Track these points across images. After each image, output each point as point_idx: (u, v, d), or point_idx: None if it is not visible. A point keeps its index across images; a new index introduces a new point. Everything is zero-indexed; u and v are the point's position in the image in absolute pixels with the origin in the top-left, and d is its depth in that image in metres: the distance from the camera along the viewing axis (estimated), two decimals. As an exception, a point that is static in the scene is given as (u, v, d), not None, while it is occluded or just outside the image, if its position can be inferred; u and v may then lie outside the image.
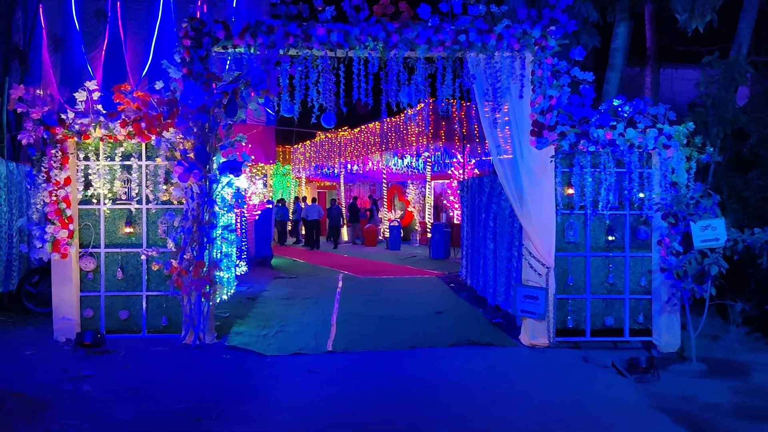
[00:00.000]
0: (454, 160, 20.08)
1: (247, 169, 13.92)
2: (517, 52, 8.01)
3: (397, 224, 23.74)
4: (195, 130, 7.58)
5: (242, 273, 13.24)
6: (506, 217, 9.87)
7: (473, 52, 8.00)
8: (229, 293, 10.27)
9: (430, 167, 21.89)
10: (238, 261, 12.94)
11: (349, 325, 9.35)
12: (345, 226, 28.51)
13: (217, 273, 7.93)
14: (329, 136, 28.91)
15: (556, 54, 8.03)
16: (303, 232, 26.05)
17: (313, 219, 23.59)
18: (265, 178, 18.46)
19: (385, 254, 21.56)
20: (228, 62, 8.44)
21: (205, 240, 7.76)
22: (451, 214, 22.69)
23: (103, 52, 15.86)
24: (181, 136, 7.68)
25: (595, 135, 7.95)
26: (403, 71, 8.01)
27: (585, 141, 7.99)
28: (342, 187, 30.33)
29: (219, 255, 8.09)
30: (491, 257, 10.77)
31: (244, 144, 8.16)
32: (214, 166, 7.81)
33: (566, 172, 8.29)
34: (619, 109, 8.11)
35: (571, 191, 8.30)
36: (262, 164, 17.72)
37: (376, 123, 24.33)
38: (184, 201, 7.89)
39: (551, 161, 8.06)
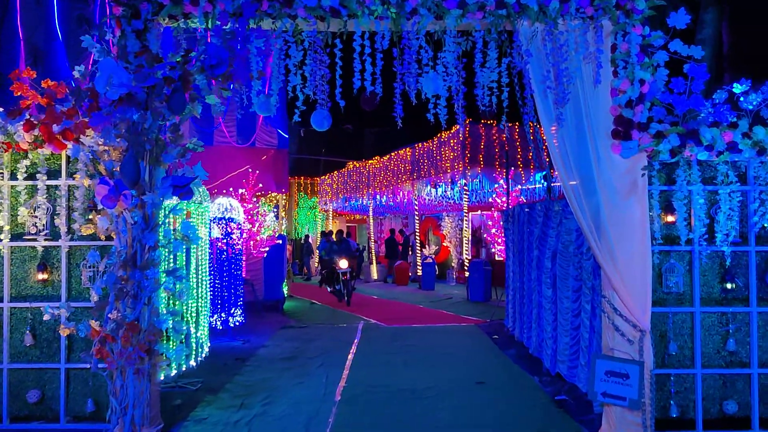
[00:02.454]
0: (496, 186, 17.49)
1: (239, 194, 11.60)
2: (591, 20, 5.54)
3: (431, 261, 21.18)
4: (122, 131, 5.23)
5: (237, 323, 10.82)
6: (570, 256, 7.32)
7: (527, 20, 5.55)
8: (200, 358, 7.81)
9: (467, 196, 19.36)
10: (219, 313, 10.53)
11: (357, 404, 6.85)
12: (376, 263, 26.13)
13: (168, 337, 5.52)
14: (357, 165, 26.66)
15: (647, 21, 5.55)
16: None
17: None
18: (276, 210, 16.20)
19: (417, 295, 18.99)
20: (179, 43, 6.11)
21: (141, 292, 5.37)
22: (493, 249, 20.04)
23: (91, 64, 13.84)
24: (101, 141, 5.33)
25: (708, 136, 5.41)
26: (426, 48, 5.59)
27: (693, 145, 5.45)
28: (371, 221, 27.93)
29: (164, 313, 5.65)
30: (549, 308, 8.18)
31: (200, 150, 5.78)
32: (155, 184, 5.43)
33: (665, 191, 5.75)
34: (742, 98, 5.56)
35: (671, 218, 5.75)
36: (274, 193, 15.49)
37: (407, 149, 21.97)
38: (114, 236, 5.53)
39: (643, 175, 5.53)
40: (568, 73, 5.47)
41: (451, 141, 18.83)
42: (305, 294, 19.34)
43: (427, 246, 25.50)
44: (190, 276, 7.47)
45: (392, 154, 23.34)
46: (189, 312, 7.43)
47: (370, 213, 26.95)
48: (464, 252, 20.29)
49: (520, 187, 17.12)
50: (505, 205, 13.95)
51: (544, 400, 7.04)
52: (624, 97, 5.51)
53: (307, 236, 28.50)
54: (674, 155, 5.51)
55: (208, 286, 7.64)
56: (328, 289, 17.14)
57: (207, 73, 5.48)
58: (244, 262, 13.93)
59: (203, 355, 7.68)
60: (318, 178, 31.27)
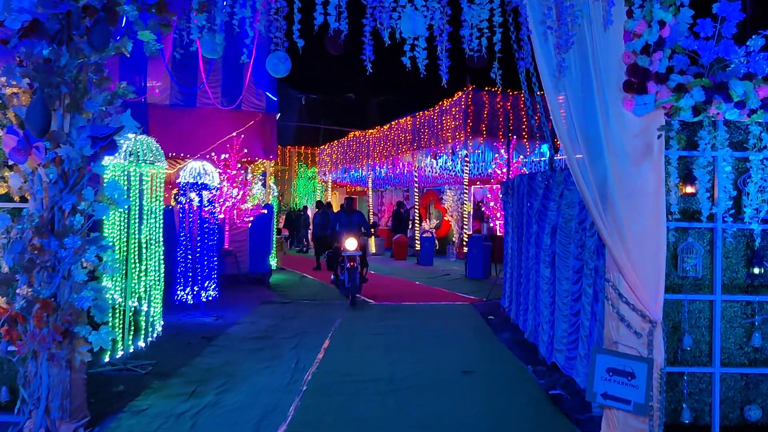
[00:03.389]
0: (496, 156, 16.50)
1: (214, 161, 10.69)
2: (602, -53, 4.59)
3: (430, 236, 20.29)
4: (30, 69, 4.33)
5: (211, 298, 10.00)
6: (571, 232, 6.43)
7: (525, -54, 4.61)
8: (150, 338, 6.93)
9: (468, 168, 18.43)
10: (191, 286, 9.71)
11: (323, 396, 6.02)
12: (373, 236, 25.25)
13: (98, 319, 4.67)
14: (358, 134, 25.71)
15: (670, -51, 4.60)
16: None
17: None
18: (264, 178, 15.30)
19: (414, 271, 18.15)
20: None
21: (59, 264, 4.52)
22: (492, 224, 19.11)
23: None
24: (4, 79, 4.42)
25: (740, 91, 4.48)
26: (403, -20, 4.66)
27: (721, 101, 4.53)
28: (370, 193, 27.02)
29: (88, 288, 4.78)
30: (547, 290, 7.31)
31: (131, 96, 4.87)
32: (74, 135, 4.54)
33: (685, 157, 4.84)
34: (780, 46, 4.63)
35: (691, 189, 4.85)
36: (261, 160, 14.58)
37: (408, 118, 21.00)
38: (29, 196, 4.67)
39: (659, 136, 4.62)
40: (573, 12, 4.52)
41: (453, 109, 17.86)
42: (299, 267, 18.55)
43: (427, 220, 24.61)
44: (136, 246, 6.63)
45: (392, 123, 22.38)
46: (137, 287, 6.59)
47: (369, 185, 26.03)
48: (465, 227, 19.41)
49: (522, 158, 16.15)
50: (506, 176, 13.02)
51: (537, 395, 6.19)
52: (639, 42, 4.57)
53: (305, 207, 27.65)
54: (697, 113, 4.59)
55: (161, 257, 6.78)
56: (331, 278, 12.62)
57: (138, 3, 4.56)
58: (226, 233, 13.12)
59: (155, 335, 6.86)
60: (318, 148, 30.35)
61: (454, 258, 21.61)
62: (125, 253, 6.45)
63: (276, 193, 16.45)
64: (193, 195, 9.40)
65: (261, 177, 15.10)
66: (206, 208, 9.69)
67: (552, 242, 7.15)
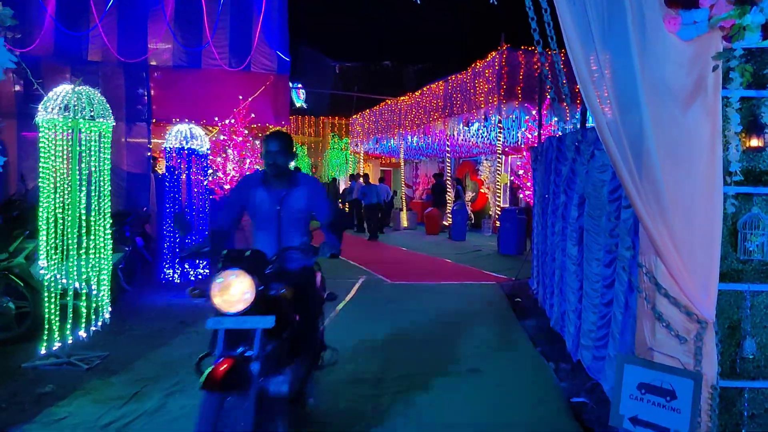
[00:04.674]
0: (526, 118, 15.07)
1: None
2: None
3: (461, 208, 19.03)
4: None
5: (201, 276, 9.02)
6: (603, 203, 5.19)
7: None
8: (93, 327, 5.87)
9: (501, 135, 17.05)
10: (179, 264, 8.74)
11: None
12: (407, 209, 24.17)
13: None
14: (389, 102, 24.46)
15: None
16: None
17: (370, 203, 19.33)
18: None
19: (443, 246, 16.98)
20: None
21: None
22: (520, 195, 17.72)
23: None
24: None
25: (830, 4, 3.18)
26: None
27: (802, 18, 3.24)
28: (402, 164, 25.81)
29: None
30: (574, 272, 6.09)
31: (10, 22, 3.81)
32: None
33: (751, 98, 3.56)
34: None
35: (758, 143, 3.58)
36: (271, 126, 13.49)
37: (439, 83, 19.66)
38: None
39: (715, 69, 3.34)
40: None
41: (486, 71, 16.48)
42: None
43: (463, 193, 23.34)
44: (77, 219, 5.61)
45: (424, 89, 21.07)
46: (83, 267, 5.59)
47: (401, 155, 24.80)
48: (496, 199, 18.11)
49: (556, 120, 14.69)
50: (537, 141, 11.69)
51: (556, 402, 5.02)
52: (689, -64, 3.29)
53: (334, 179, 26.61)
54: (770, 36, 3.31)
55: (107, 231, 5.75)
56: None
57: None
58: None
59: (99, 323, 5.86)
60: (350, 118, 29.24)
61: (490, 232, 20.33)
62: (63, 228, 5.44)
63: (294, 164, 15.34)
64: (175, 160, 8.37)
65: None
66: (196, 177, 8.67)
67: (579, 214, 5.92)
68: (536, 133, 11.98)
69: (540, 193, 8.66)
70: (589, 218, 5.56)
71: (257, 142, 12.28)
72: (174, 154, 8.58)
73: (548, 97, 14.11)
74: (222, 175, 11.84)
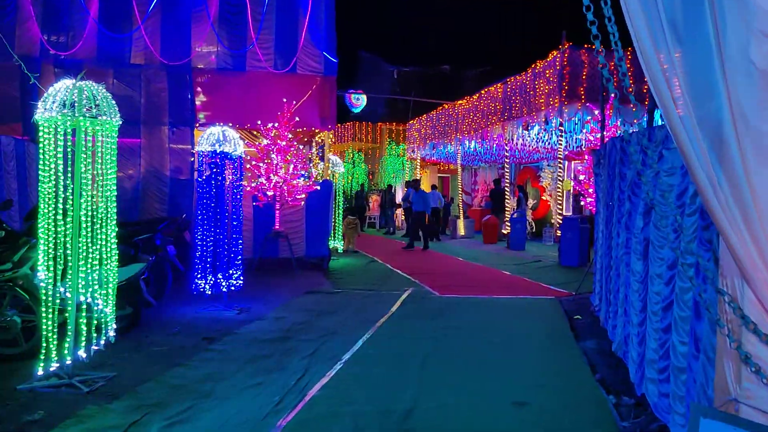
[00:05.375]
0: (588, 119, 14.08)
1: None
2: None
3: (519, 216, 18.14)
4: None
5: (234, 288, 8.49)
6: (670, 208, 4.35)
7: None
8: (94, 346, 5.32)
9: (563, 140, 16.10)
10: (212, 274, 8.24)
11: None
12: (464, 217, 23.38)
13: None
14: (446, 106, 23.73)
15: None
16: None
17: (419, 210, 18.66)
18: (321, 150, 13.67)
19: (501, 256, 16.14)
20: None
21: None
22: (582, 202, 16.69)
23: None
24: None
25: None
26: None
27: None
28: (460, 170, 24.98)
29: None
30: (637, 290, 5.27)
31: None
32: None
33: None
34: None
35: None
36: (317, 130, 12.96)
37: (498, 86, 18.84)
38: None
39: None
40: None
41: (547, 72, 15.60)
42: (373, 250, 16.96)
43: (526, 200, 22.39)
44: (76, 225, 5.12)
45: (482, 92, 20.26)
46: (87, 278, 5.10)
47: (458, 161, 23.99)
48: (560, 207, 17.15)
49: (621, 122, 13.66)
50: (599, 144, 10.77)
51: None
52: None
53: (390, 186, 25.99)
54: None
55: (113, 240, 5.23)
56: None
57: None
58: (277, 212, 11.66)
59: (102, 341, 5.34)
60: (407, 124, 28.60)
61: (552, 242, 19.35)
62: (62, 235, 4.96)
63: (336, 169, 14.74)
64: (207, 165, 7.89)
65: (319, 150, 13.53)
66: (227, 181, 8.18)
67: (645, 224, 5.11)
68: (599, 135, 11.05)
69: (604, 201, 7.83)
70: (654, 229, 4.76)
71: (302, 147, 11.79)
72: (206, 158, 8.11)
73: (612, 95, 13.16)
74: (265, 181, 11.36)
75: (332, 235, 15.28)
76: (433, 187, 24.13)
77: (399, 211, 25.98)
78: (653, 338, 4.50)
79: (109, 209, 5.19)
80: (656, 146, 5.14)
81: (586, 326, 7.94)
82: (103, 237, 5.13)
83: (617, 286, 6.54)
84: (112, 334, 5.37)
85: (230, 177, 8.26)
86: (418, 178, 24.94)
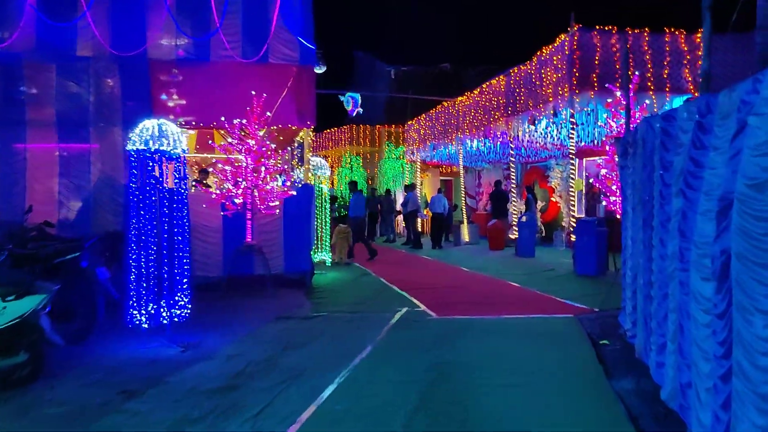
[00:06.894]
0: (608, 102, 12.38)
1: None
2: None
3: (527, 220, 16.52)
4: None
5: (179, 318, 6.88)
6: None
7: None
8: None
9: (574, 133, 14.45)
10: (148, 303, 6.63)
11: None
12: (468, 222, 21.82)
13: None
14: (446, 104, 22.15)
15: None
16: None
17: (410, 211, 17.12)
18: (300, 151, 12.04)
19: (509, 264, 14.52)
20: None
21: None
22: (604, 202, 15.00)
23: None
24: None
25: None
26: None
27: None
28: (462, 172, 23.35)
29: None
30: (708, 324, 3.64)
31: None
32: None
33: None
34: None
35: None
36: (294, 127, 11.32)
37: (500, 78, 17.25)
38: None
39: None
40: None
41: (554, 58, 13.99)
42: (367, 261, 15.34)
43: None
44: None
45: (483, 86, 18.66)
46: None
47: (460, 162, 22.35)
48: (573, 209, 15.50)
49: (646, 102, 12.04)
50: (623, 129, 9.10)
51: None
52: None
53: (388, 191, 24.38)
54: None
55: None
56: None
57: None
58: (249, 222, 10.08)
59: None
60: (405, 125, 27.05)
61: (564, 247, 17.74)
62: None
63: (319, 172, 13.11)
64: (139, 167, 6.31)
65: (296, 149, 11.93)
66: (167, 188, 6.61)
67: (721, 229, 3.48)
68: (621, 122, 9.40)
69: (635, 198, 6.22)
70: (743, 237, 3.13)
71: (274, 146, 10.16)
72: (137, 158, 6.53)
73: (635, 75, 11.44)
74: (232, 187, 9.77)
75: (318, 246, 13.69)
76: (439, 190, 22.57)
77: (399, 218, 24.44)
78: (755, 407, 2.88)
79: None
80: (725, 119, 3.58)
81: (617, 356, 6.34)
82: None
83: (664, 310, 4.93)
84: None
85: (171, 180, 6.68)
86: (415, 182, 23.51)
